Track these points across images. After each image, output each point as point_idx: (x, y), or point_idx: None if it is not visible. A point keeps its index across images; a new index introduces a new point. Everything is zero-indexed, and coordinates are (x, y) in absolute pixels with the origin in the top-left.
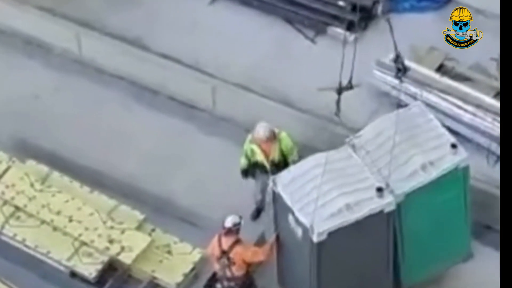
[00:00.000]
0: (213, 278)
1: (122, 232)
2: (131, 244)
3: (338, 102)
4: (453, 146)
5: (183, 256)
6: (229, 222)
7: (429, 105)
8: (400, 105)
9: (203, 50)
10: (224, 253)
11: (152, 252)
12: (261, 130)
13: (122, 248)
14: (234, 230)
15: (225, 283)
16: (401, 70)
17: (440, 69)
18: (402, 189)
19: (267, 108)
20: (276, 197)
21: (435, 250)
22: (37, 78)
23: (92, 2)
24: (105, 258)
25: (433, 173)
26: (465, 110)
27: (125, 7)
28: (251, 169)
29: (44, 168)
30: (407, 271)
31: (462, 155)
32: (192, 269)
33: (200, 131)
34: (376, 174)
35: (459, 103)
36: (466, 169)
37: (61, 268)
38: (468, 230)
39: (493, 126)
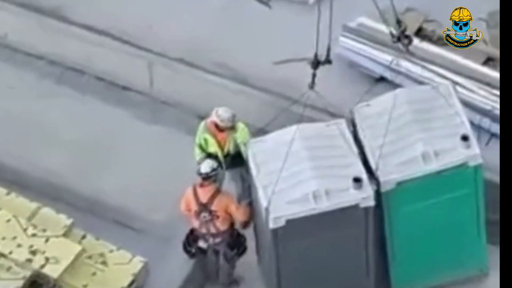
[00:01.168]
0: (192, 236)
1: (46, 240)
2: (57, 254)
3: (314, 76)
4: (464, 138)
5: (120, 267)
6: (206, 167)
7: (407, 76)
8: (378, 78)
9: (134, 20)
10: (204, 206)
11: (83, 263)
12: (225, 116)
13: (47, 260)
14: (212, 177)
15: (211, 240)
16: (403, 40)
17: (419, 32)
18: (393, 175)
19: (216, 87)
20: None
21: (436, 256)
22: None
23: None
24: (27, 273)
25: (434, 165)
26: (451, 81)
27: None
28: None
29: None
30: (398, 277)
31: (474, 151)
32: (132, 282)
33: (136, 118)
34: (372, 153)
35: (444, 72)
36: (478, 167)
37: None
38: (482, 241)
39: (482, 98)
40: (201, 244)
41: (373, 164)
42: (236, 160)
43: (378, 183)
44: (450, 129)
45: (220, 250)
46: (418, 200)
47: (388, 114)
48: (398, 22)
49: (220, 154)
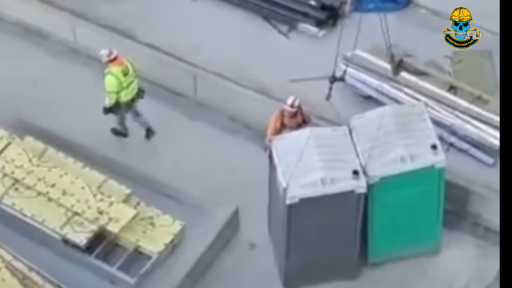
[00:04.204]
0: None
1: (110, 204)
2: (118, 215)
3: (330, 90)
4: (433, 147)
5: (164, 228)
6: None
7: (388, 97)
8: (367, 97)
9: (187, 42)
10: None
11: (136, 224)
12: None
13: (110, 219)
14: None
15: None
16: (395, 67)
17: (400, 64)
18: (378, 172)
19: (244, 97)
20: (271, 155)
21: (404, 235)
22: (38, 64)
23: None
24: (95, 227)
25: (409, 166)
26: (423, 102)
27: (114, 1)
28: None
29: (41, 145)
30: (375, 248)
31: (440, 157)
32: (172, 240)
33: (184, 116)
34: (363, 154)
35: (417, 95)
36: (442, 169)
37: (55, 235)
38: (439, 226)
39: (445, 116)
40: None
41: (363, 163)
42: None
43: (367, 177)
44: (423, 139)
45: None
46: (395, 191)
47: (376, 125)
48: (392, 57)
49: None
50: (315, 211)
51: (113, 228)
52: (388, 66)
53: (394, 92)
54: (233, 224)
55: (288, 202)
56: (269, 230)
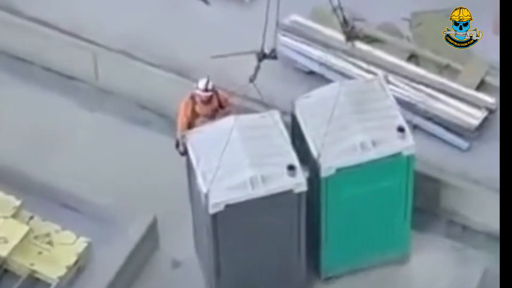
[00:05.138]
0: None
1: None
2: (6, 234)
3: (257, 69)
4: (400, 129)
5: (65, 247)
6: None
7: (335, 71)
8: (310, 72)
9: (81, 13)
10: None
11: (30, 243)
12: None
13: None
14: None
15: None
16: (349, 33)
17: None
18: (333, 162)
19: (156, 78)
20: (187, 153)
21: (365, 240)
22: None
23: None
24: None
25: (372, 154)
26: (376, 75)
27: None
28: None
29: None
30: (329, 258)
31: (408, 142)
32: (76, 262)
33: (82, 106)
34: (314, 141)
35: (369, 67)
36: (411, 157)
37: None
38: (407, 227)
39: (407, 92)
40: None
41: (314, 152)
42: None
43: (317, 169)
44: (386, 120)
45: None
46: (354, 186)
47: (328, 105)
48: (345, 22)
49: None
50: (246, 218)
51: (1, 250)
52: (334, 33)
53: (342, 65)
54: (151, 238)
55: (211, 210)
56: (195, 244)
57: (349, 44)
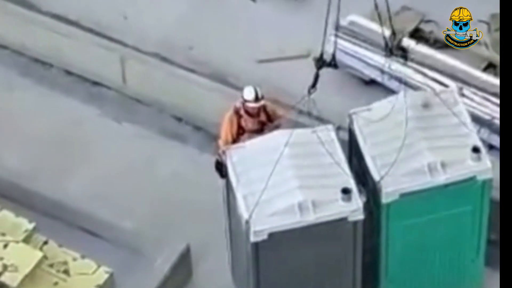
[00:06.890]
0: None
1: (5, 246)
2: (16, 261)
3: (316, 79)
4: (475, 150)
5: (84, 277)
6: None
7: (399, 81)
8: (370, 81)
9: (107, 10)
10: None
11: (44, 272)
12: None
13: (5, 267)
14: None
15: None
16: (396, 52)
17: (415, 34)
18: (396, 187)
19: (193, 86)
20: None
21: (430, 277)
22: None
23: None
24: None
25: (441, 178)
26: (448, 87)
27: None
28: None
29: None
30: None
31: (484, 165)
32: None
33: (107, 115)
34: (374, 162)
35: (441, 78)
36: (487, 182)
37: None
38: (480, 264)
39: (483, 107)
40: None
41: (375, 173)
42: None
43: (378, 194)
44: (458, 138)
45: None
46: (420, 214)
47: (391, 120)
48: (393, 32)
49: None
50: (292, 249)
51: (10, 280)
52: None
53: (407, 73)
54: (183, 268)
55: (252, 239)
56: (232, 276)
57: (388, 60)
